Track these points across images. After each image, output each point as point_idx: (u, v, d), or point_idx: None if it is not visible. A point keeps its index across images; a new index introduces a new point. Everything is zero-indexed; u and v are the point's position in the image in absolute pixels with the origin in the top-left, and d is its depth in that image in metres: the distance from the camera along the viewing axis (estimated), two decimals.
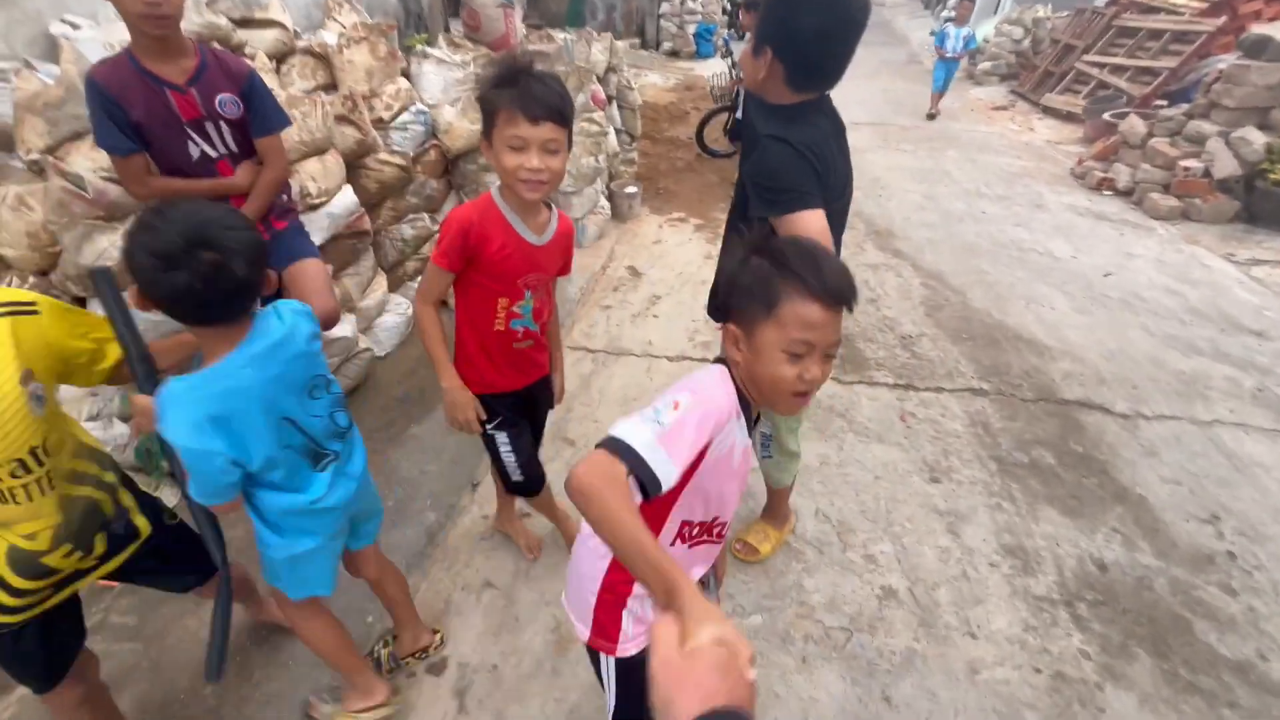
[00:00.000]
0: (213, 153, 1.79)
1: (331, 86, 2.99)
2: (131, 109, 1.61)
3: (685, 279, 3.88)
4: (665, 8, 10.69)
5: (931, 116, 8.12)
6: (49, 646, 1.15)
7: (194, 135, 1.75)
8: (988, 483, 2.42)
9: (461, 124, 3.30)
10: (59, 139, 1.91)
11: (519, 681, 1.69)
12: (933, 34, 9.11)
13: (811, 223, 1.31)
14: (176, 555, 1.34)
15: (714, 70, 6.78)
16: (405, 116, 3.10)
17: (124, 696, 1.58)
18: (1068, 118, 7.84)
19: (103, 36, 2.23)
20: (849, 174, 1.57)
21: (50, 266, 1.87)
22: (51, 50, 2.30)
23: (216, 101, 1.70)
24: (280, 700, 1.62)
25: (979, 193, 5.55)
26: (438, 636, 1.75)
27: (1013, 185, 5.79)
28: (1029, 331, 3.45)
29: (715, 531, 1.10)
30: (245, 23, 2.72)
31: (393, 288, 3.13)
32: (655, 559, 0.72)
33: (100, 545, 1.15)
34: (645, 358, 3.14)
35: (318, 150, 2.57)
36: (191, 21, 2.31)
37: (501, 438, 1.66)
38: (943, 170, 6.13)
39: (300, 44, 2.96)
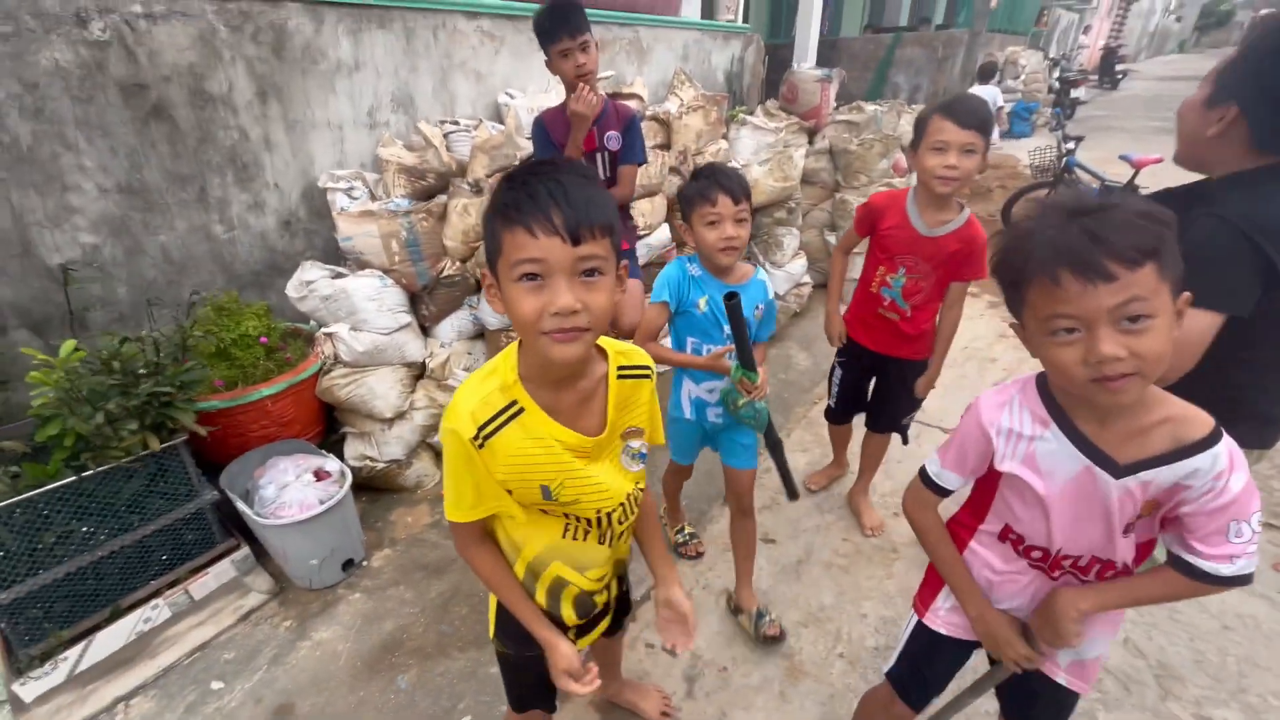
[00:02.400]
0: None
1: (666, 146, 3.57)
2: (560, 141, 2.17)
3: (971, 354, 3.56)
4: (977, 87, 10.12)
5: None
6: (545, 679, 1.09)
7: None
8: None
9: (766, 181, 3.61)
10: (492, 170, 2.66)
11: (746, 691, 1.70)
12: None
13: (1194, 326, 1.05)
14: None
15: (1034, 146, 6.22)
16: None
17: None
18: None
19: (529, 103, 3.06)
20: None
21: (469, 257, 2.58)
22: (495, 112, 3.23)
23: (605, 137, 2.18)
24: None
25: None
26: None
27: None
28: None
29: (1056, 561, 0.95)
30: (615, 95, 3.43)
31: None
32: (953, 580, 1.06)
33: (615, 588, 1.14)
34: (916, 424, 2.93)
35: (650, 193, 3.09)
36: None
37: (837, 368, 2.18)
38: None
39: (649, 112, 3.61)
